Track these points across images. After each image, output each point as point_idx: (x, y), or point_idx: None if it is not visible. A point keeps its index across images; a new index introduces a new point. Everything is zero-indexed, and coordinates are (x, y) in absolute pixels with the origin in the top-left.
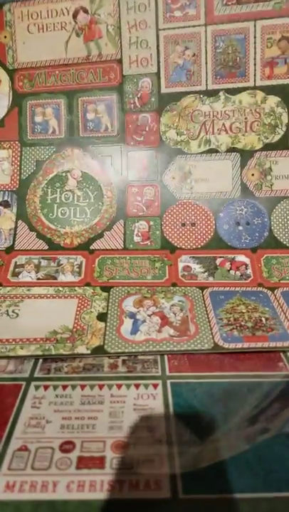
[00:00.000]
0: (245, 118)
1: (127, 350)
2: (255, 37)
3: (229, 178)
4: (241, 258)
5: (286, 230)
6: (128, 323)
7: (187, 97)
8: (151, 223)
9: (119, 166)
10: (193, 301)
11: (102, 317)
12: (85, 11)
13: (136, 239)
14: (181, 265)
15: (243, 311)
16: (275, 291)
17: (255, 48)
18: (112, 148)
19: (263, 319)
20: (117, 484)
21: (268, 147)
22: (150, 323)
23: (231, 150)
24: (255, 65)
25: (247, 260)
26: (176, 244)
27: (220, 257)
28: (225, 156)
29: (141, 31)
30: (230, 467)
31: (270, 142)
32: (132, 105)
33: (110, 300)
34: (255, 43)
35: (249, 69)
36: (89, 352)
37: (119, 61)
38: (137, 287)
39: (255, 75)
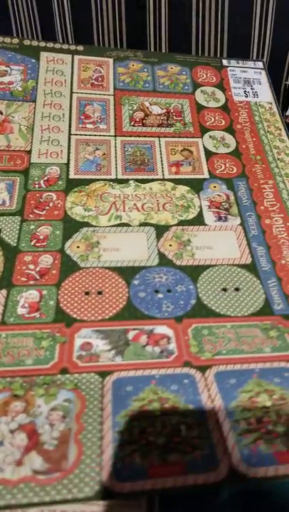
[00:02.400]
0: (157, 200)
1: None
2: (160, 147)
3: (144, 248)
4: (162, 330)
5: (217, 296)
6: None
7: (96, 182)
8: (44, 292)
9: (12, 238)
10: (85, 400)
11: None
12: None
13: (20, 311)
14: (78, 342)
15: (156, 413)
16: (207, 372)
17: (161, 154)
18: (7, 219)
19: (183, 429)
20: None
21: (183, 223)
22: (8, 448)
23: (144, 224)
24: (162, 164)
25: (170, 332)
26: (75, 315)
27: (134, 329)
28: (138, 228)
29: (53, 133)
30: None
31: (185, 219)
32: (37, 185)
33: None
34: (160, 151)
35: (157, 167)
36: None
37: (28, 152)
38: (8, 378)
39: (163, 171)
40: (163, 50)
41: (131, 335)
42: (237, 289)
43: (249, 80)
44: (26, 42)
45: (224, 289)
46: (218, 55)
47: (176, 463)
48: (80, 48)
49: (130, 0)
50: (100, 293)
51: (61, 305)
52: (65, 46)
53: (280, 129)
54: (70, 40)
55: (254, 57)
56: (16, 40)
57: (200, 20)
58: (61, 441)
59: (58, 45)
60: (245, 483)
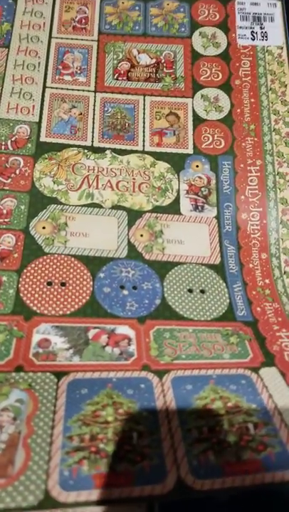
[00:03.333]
0: (134, 178)
1: None
2: (144, 109)
3: (114, 236)
4: (123, 330)
5: (182, 297)
6: None
7: (70, 149)
8: (4, 279)
9: None
10: (38, 401)
11: None
12: None
13: None
14: (36, 338)
15: (109, 419)
16: (164, 378)
17: (144, 118)
18: None
19: (135, 436)
20: None
21: (157, 210)
22: None
23: (117, 208)
24: (144, 132)
25: (131, 333)
26: (35, 308)
27: (95, 327)
28: (110, 212)
29: (26, 85)
30: None
31: (160, 205)
32: (3, 147)
33: None
34: (144, 114)
35: (138, 135)
36: None
37: None
38: None
39: (144, 141)
40: None
41: (91, 333)
42: (203, 291)
43: (260, 15)
44: None
45: (190, 290)
46: None
47: (124, 473)
48: None
49: None
50: (63, 284)
51: (21, 295)
52: None
53: (286, 85)
54: None
55: None
56: None
57: None
58: (9, 444)
59: None
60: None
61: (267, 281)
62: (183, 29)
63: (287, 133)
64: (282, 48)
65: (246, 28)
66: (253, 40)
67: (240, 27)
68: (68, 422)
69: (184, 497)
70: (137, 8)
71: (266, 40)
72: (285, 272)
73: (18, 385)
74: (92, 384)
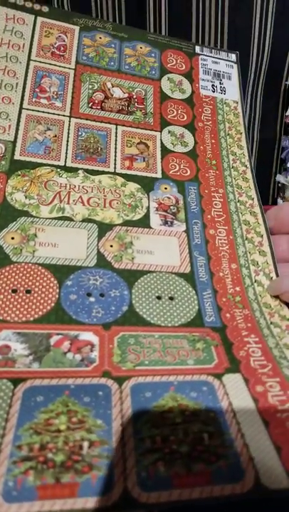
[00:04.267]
0: (105, 196)
1: None
2: (116, 136)
3: (83, 246)
4: (87, 336)
5: (150, 304)
6: None
7: (43, 167)
8: None
9: None
10: None
11: None
12: None
13: None
14: None
15: (61, 427)
16: (124, 385)
17: (116, 144)
18: None
19: (85, 446)
20: None
21: (128, 223)
22: None
23: (87, 221)
24: (115, 156)
25: (95, 339)
26: None
27: (57, 333)
28: (80, 224)
29: (3, 104)
30: None
31: (130, 219)
32: None
33: None
34: (116, 140)
35: (110, 158)
36: None
37: None
38: None
39: (115, 164)
40: (163, 20)
41: (53, 340)
42: (171, 298)
43: (219, 72)
44: None
45: (158, 297)
46: (219, 44)
47: (68, 485)
48: (45, 8)
49: None
50: (28, 292)
51: None
52: (28, 4)
53: (241, 133)
54: (66, 4)
55: (254, 54)
56: None
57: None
58: None
59: (20, 1)
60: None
61: (238, 288)
62: (153, 72)
63: (243, 171)
64: (237, 103)
65: (208, 80)
66: (214, 92)
67: (203, 79)
68: (19, 431)
69: (128, 510)
70: (112, 45)
71: (224, 93)
72: (255, 281)
73: None
74: (48, 391)
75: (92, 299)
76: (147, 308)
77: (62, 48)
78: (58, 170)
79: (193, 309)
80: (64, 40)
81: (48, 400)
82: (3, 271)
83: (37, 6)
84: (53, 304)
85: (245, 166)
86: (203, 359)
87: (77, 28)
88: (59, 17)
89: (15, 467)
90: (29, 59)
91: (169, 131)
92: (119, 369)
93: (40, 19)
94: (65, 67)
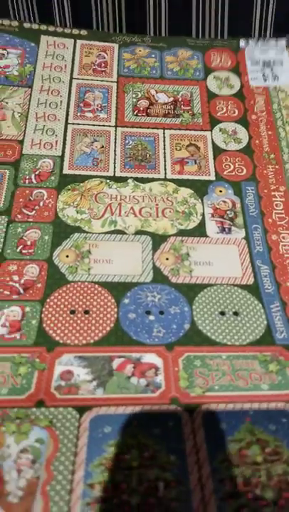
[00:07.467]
0: (157, 204)
1: None
2: (164, 141)
3: (138, 260)
4: (150, 358)
5: (214, 321)
6: None
7: (92, 180)
8: (27, 309)
9: None
10: (59, 441)
11: None
12: None
13: (0, 330)
14: (58, 370)
15: (133, 464)
16: (194, 414)
17: (164, 149)
18: None
19: (161, 487)
20: None
21: (182, 233)
22: None
23: (141, 233)
24: (165, 161)
25: (159, 361)
26: (58, 338)
27: (119, 356)
28: (134, 237)
29: (49, 122)
30: None
31: (185, 229)
32: (28, 180)
33: None
34: (164, 145)
35: (159, 164)
36: None
37: (20, 142)
38: None
39: (165, 170)
40: (162, 30)
41: (116, 364)
42: (236, 313)
43: (269, 61)
44: (26, 25)
45: (222, 313)
46: (219, 35)
47: None
48: (84, 32)
49: None
50: (86, 312)
51: (44, 325)
52: (67, 30)
53: None
54: (68, 21)
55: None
56: (15, 23)
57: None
58: (27, 492)
59: (59, 29)
60: None
61: None
62: (198, 73)
63: None
64: None
65: (257, 71)
66: (265, 81)
67: (252, 71)
68: (90, 467)
69: None
70: (153, 55)
71: (277, 80)
72: None
73: (39, 422)
74: (115, 421)
75: (151, 318)
76: (211, 326)
77: (103, 65)
78: (108, 181)
79: (262, 325)
80: (104, 58)
81: (116, 432)
82: (60, 291)
83: (75, 31)
84: (112, 325)
85: None
86: (279, 383)
87: (116, 46)
88: (97, 38)
89: (89, 509)
90: (71, 78)
91: (220, 129)
92: (188, 395)
93: (79, 42)
94: (107, 81)
